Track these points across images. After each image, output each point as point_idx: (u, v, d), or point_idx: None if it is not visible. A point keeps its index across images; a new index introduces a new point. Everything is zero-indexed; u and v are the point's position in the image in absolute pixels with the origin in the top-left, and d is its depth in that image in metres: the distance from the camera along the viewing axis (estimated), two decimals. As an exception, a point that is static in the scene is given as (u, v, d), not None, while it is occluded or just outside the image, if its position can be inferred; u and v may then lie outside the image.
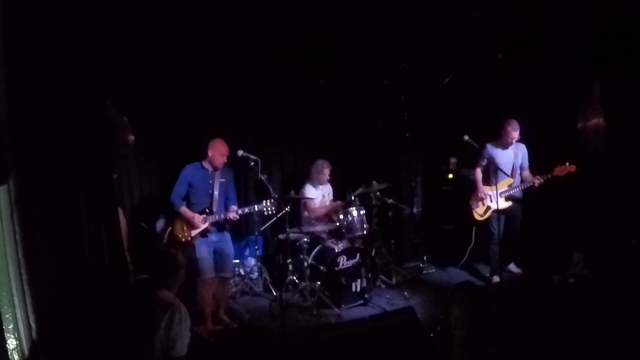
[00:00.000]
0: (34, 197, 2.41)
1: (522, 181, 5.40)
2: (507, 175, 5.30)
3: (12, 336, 2.29)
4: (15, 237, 2.33)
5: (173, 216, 4.61)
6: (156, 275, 2.81)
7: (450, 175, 6.55)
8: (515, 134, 5.23)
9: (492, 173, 5.43)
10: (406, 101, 6.45)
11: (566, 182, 5.09)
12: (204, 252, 4.54)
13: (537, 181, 5.18)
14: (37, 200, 2.42)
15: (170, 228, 4.60)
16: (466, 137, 5.10)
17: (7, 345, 2.26)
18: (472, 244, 5.98)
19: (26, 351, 2.36)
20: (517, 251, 5.68)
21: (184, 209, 4.53)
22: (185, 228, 4.54)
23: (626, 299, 3.87)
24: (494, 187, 5.29)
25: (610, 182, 5.35)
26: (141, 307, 2.72)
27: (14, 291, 2.33)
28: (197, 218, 4.52)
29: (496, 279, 5.49)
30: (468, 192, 5.75)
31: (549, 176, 5.12)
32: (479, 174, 5.58)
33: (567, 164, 5.02)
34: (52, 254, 2.46)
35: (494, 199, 5.32)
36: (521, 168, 5.42)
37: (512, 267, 5.68)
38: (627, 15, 4.87)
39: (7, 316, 2.28)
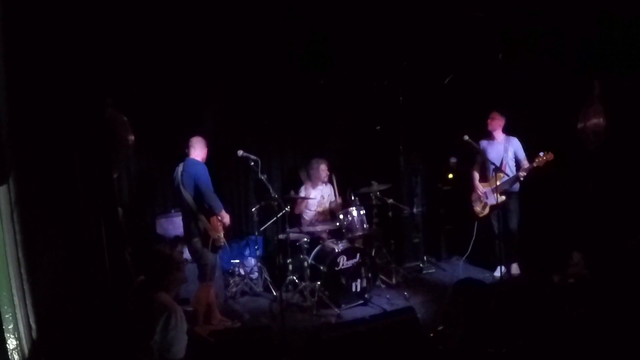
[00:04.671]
0: (34, 197, 2.41)
1: (514, 175, 5.44)
2: (495, 165, 5.35)
3: (12, 336, 2.29)
4: (15, 237, 2.34)
5: (204, 220, 4.41)
6: (153, 277, 2.77)
7: (450, 175, 6.57)
8: (492, 123, 5.47)
9: (486, 169, 5.58)
10: (406, 101, 6.45)
11: (549, 171, 5.17)
12: (215, 256, 4.51)
13: (522, 174, 5.29)
14: (37, 200, 2.42)
15: (215, 236, 4.41)
16: (466, 137, 5.12)
17: (7, 345, 2.26)
18: (474, 237, 5.94)
19: (26, 351, 2.36)
20: (518, 251, 5.69)
21: (224, 212, 4.49)
22: (219, 232, 4.48)
23: (626, 299, 3.87)
24: (486, 184, 5.53)
25: (610, 182, 5.35)
26: (139, 309, 2.70)
27: (14, 291, 2.33)
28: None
29: (497, 273, 5.54)
30: (468, 190, 5.83)
31: (531, 167, 5.19)
32: (474, 173, 5.73)
33: (542, 154, 5.07)
34: (52, 254, 2.46)
35: (489, 196, 5.51)
36: (517, 161, 5.48)
37: (514, 268, 5.68)
38: (627, 16, 4.86)
39: (7, 316, 2.28)
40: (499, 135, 5.53)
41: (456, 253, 6.52)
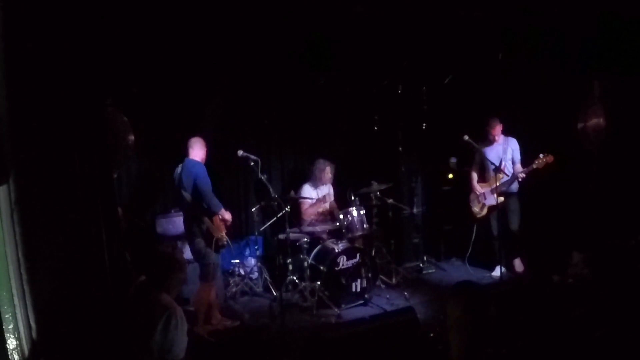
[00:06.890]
0: (34, 197, 2.41)
1: (512, 175, 5.45)
2: (495, 165, 5.31)
3: (12, 336, 2.29)
4: (15, 237, 2.34)
5: (207, 220, 4.43)
6: (154, 278, 2.77)
7: (450, 175, 6.56)
8: (494, 131, 5.48)
9: (485, 170, 5.61)
10: (406, 101, 6.45)
11: (549, 171, 5.15)
12: (217, 256, 4.52)
13: (521, 175, 5.29)
14: (37, 200, 2.42)
15: (219, 235, 4.42)
16: (466, 137, 5.13)
17: (7, 345, 2.26)
18: (473, 238, 5.94)
19: (26, 351, 2.36)
20: (519, 248, 5.71)
21: (223, 210, 4.50)
22: (222, 231, 4.50)
23: (626, 299, 3.87)
24: (485, 185, 5.55)
25: (610, 182, 5.36)
26: (139, 309, 2.70)
27: (14, 291, 2.33)
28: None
29: (496, 273, 5.54)
30: (468, 191, 5.83)
31: (530, 169, 5.18)
32: (472, 174, 5.76)
33: (542, 155, 5.06)
34: (52, 254, 2.46)
35: (487, 196, 5.54)
36: (513, 162, 5.50)
37: (517, 263, 5.71)
38: (627, 16, 4.87)
39: (7, 316, 2.28)
40: (499, 137, 5.56)
41: (455, 254, 6.52)
